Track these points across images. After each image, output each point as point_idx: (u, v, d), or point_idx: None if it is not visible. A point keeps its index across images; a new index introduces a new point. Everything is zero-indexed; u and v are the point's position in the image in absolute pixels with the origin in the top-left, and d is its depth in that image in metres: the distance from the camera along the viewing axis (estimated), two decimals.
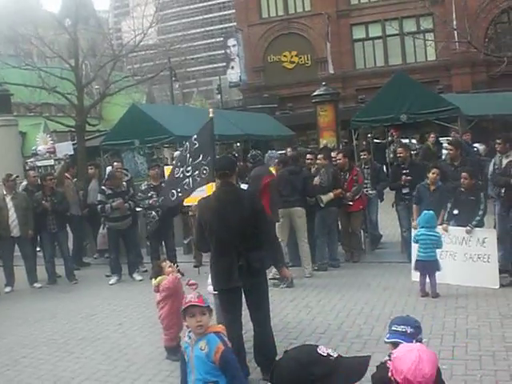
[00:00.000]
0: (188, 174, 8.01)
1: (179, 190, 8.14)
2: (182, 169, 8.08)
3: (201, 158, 7.92)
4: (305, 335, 7.40)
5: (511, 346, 6.56)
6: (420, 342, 3.58)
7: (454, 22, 29.55)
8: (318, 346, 2.12)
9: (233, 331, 6.20)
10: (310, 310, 8.53)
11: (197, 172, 7.91)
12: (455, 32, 26.66)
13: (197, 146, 7.97)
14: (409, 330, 3.60)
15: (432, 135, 17.41)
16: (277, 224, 9.69)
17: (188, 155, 8.03)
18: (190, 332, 4.36)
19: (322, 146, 19.53)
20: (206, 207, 6.22)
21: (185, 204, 10.31)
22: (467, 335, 7.04)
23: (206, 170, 7.84)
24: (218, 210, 6.04)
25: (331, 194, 10.77)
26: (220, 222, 6.01)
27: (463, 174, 9.36)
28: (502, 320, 7.50)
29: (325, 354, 2.08)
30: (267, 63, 40.33)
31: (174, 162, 9.02)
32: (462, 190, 9.38)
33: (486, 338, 6.91)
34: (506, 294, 8.56)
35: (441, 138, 18.46)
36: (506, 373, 5.84)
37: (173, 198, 8.32)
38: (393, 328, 3.65)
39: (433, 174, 9.84)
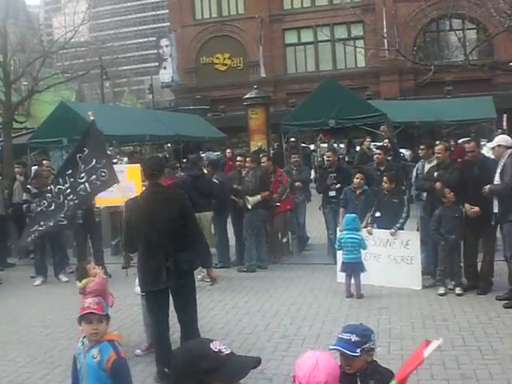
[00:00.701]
0: (82, 181, 8.19)
1: (75, 197, 8.32)
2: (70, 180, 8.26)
3: (94, 162, 8.20)
4: (232, 336, 7.45)
5: None
6: (369, 351, 3.47)
7: (384, 30, 30.23)
8: (212, 341, 2.17)
9: (159, 332, 6.22)
10: (237, 310, 8.61)
11: (94, 176, 8.12)
12: (385, 40, 27.27)
13: (86, 152, 8.22)
14: (353, 338, 3.43)
15: (368, 139, 17.68)
16: None
17: (81, 164, 8.25)
18: (83, 338, 4.28)
19: (256, 148, 19.69)
20: (134, 208, 6.18)
21: (108, 205, 10.40)
22: (390, 335, 7.23)
23: (104, 172, 8.08)
24: (146, 211, 6.02)
25: (259, 197, 10.88)
26: (148, 222, 5.99)
27: (384, 178, 9.66)
28: (423, 320, 7.74)
29: (216, 350, 2.12)
30: (200, 65, 40.27)
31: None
32: (385, 193, 9.67)
33: (407, 337, 7.12)
34: (428, 295, 8.85)
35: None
36: (427, 372, 6.00)
37: (70, 208, 8.45)
38: (339, 335, 3.52)
39: (357, 178, 10.10)
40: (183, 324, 6.29)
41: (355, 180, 10.08)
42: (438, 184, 9.19)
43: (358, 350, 3.38)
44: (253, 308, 8.70)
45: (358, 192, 10.06)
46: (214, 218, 11.24)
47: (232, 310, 8.68)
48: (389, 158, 12.07)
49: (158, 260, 5.97)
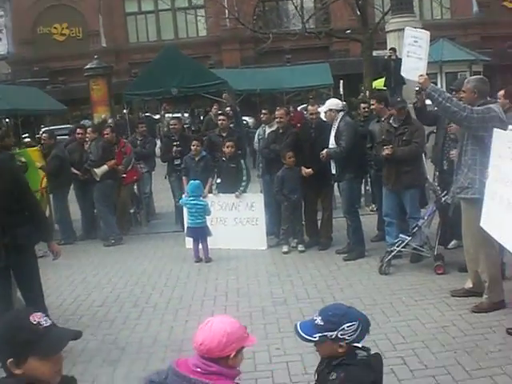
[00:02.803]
0: None
1: None
2: None
3: None
4: (82, 310, 7.33)
5: (278, 300, 7.09)
6: (336, 340, 2.87)
7: None
8: (32, 314, 2.16)
9: (1, 312, 5.99)
10: (86, 284, 8.44)
11: None
12: (225, 9, 27.46)
13: None
14: (318, 320, 2.90)
15: (215, 106, 17.78)
16: None
17: None
18: None
19: (101, 120, 19.28)
20: None
21: None
22: (238, 294, 7.47)
23: None
24: None
25: (105, 167, 10.67)
26: None
27: (228, 143, 9.85)
28: (269, 278, 8.07)
29: (35, 322, 2.12)
30: (37, 35, 38.59)
31: None
32: (224, 159, 9.87)
33: (255, 295, 7.39)
34: (273, 254, 9.24)
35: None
36: (275, 325, 6.28)
37: None
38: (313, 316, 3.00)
39: (193, 145, 10.21)
40: (28, 302, 6.06)
41: (192, 147, 10.19)
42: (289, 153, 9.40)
43: (317, 336, 2.88)
44: (102, 281, 8.60)
45: (196, 159, 10.17)
46: (53, 193, 10.94)
47: (81, 284, 8.51)
48: (231, 125, 12.26)
49: None
